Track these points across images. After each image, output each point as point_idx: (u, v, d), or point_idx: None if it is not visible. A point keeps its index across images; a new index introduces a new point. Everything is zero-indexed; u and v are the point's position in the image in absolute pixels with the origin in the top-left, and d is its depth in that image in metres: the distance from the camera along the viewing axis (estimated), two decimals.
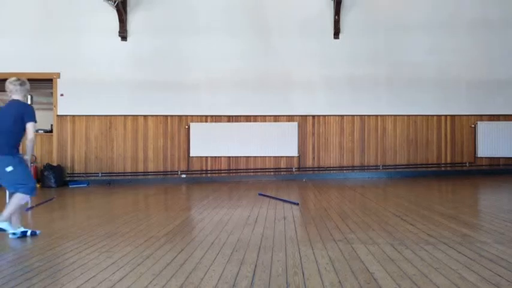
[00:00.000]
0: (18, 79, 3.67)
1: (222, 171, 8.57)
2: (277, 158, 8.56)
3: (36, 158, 8.66)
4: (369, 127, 8.60)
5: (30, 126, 3.53)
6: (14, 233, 3.48)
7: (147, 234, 3.55)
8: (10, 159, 3.47)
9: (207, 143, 8.42)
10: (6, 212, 3.43)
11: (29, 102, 11.82)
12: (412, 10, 8.62)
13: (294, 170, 8.55)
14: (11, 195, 3.52)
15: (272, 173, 8.58)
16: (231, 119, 8.57)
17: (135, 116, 8.48)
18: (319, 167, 8.57)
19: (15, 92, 3.62)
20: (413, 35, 8.56)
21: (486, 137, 8.41)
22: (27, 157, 3.59)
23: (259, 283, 2.23)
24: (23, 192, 3.47)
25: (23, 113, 3.53)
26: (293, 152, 8.49)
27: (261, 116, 8.57)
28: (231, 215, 4.43)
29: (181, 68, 8.53)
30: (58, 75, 8.50)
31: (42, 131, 9.08)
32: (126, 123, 8.48)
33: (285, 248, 2.96)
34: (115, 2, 7.96)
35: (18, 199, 3.46)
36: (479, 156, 8.51)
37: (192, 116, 8.55)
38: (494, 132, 8.36)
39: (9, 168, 3.44)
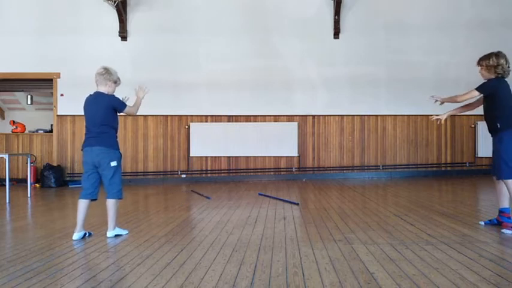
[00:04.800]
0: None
1: (222, 171, 8.57)
2: (277, 158, 8.56)
3: (36, 158, 8.66)
4: (369, 127, 8.60)
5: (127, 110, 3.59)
6: (127, 233, 3.58)
7: (147, 234, 3.55)
8: (116, 153, 3.50)
9: (207, 143, 8.43)
10: (111, 222, 3.48)
11: (28, 101, 11.72)
12: (412, 10, 8.63)
13: (294, 170, 8.55)
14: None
15: (272, 173, 8.58)
16: (231, 119, 8.57)
17: (135, 116, 8.48)
18: (319, 167, 8.57)
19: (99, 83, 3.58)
20: (413, 35, 8.57)
21: (486, 137, 8.29)
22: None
23: (259, 283, 2.23)
24: (114, 197, 3.47)
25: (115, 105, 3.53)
26: (293, 152, 8.49)
27: (261, 116, 8.57)
28: (231, 215, 4.43)
29: (181, 68, 8.53)
30: (58, 75, 8.50)
31: (42, 131, 9.08)
32: (126, 123, 8.48)
33: (285, 248, 2.96)
34: (115, 2, 7.96)
35: (114, 206, 3.48)
36: (479, 156, 8.51)
37: (192, 116, 8.56)
38: None
39: (114, 163, 3.46)
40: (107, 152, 3.44)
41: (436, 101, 3.91)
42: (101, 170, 3.46)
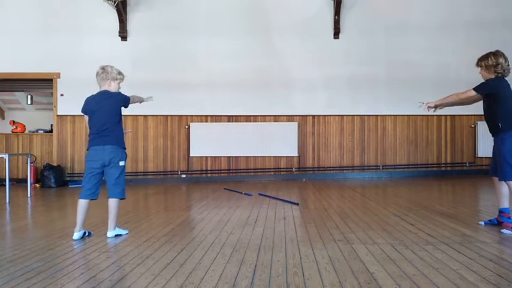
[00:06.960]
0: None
1: (222, 171, 8.57)
2: (277, 158, 8.56)
3: (36, 158, 8.66)
4: (368, 127, 8.60)
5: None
6: (127, 233, 3.57)
7: (147, 234, 3.55)
8: (124, 153, 3.53)
9: (207, 143, 8.43)
10: (112, 222, 3.46)
11: (29, 101, 11.70)
12: (412, 10, 8.63)
13: (294, 170, 8.55)
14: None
15: (272, 173, 8.58)
16: (231, 119, 8.58)
17: (135, 116, 8.47)
18: (319, 167, 8.57)
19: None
20: (413, 35, 8.57)
21: (486, 137, 8.34)
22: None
23: (259, 283, 2.23)
24: (117, 197, 3.46)
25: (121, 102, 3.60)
26: (293, 152, 8.49)
27: (261, 116, 8.57)
28: (231, 215, 4.43)
29: (181, 68, 8.53)
30: (58, 75, 8.50)
31: (42, 131, 9.08)
32: (126, 123, 8.46)
33: (285, 248, 2.96)
34: (115, 2, 7.96)
35: (116, 206, 3.47)
36: (479, 156, 8.51)
37: (192, 116, 8.56)
38: None
39: (122, 163, 3.47)
40: (119, 151, 3.47)
41: (428, 107, 3.84)
42: (108, 169, 3.43)
